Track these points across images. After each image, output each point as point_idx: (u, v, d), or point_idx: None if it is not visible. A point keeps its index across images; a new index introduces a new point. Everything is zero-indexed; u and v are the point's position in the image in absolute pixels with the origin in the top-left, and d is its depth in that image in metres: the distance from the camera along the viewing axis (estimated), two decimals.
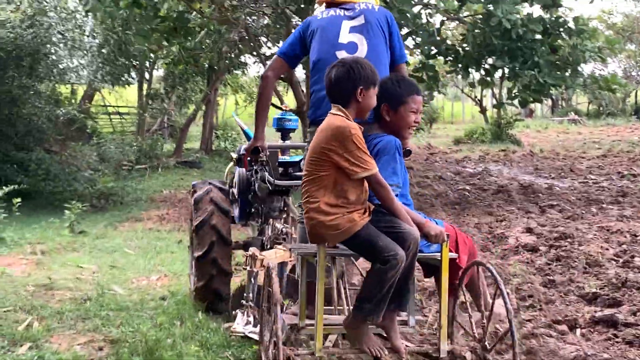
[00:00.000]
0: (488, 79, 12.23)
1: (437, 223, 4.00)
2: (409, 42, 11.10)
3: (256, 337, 4.67)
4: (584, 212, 10.80)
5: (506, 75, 11.75)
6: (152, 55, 15.60)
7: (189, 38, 11.81)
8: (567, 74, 11.35)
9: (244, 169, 5.87)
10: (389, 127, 4.05)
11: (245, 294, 5.30)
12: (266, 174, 5.61)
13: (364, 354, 3.78)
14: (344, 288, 4.39)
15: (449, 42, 11.12)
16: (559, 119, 39.65)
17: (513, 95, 11.48)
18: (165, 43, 11.55)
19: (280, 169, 5.83)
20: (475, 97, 31.37)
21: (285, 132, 6.37)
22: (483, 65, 11.55)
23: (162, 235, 10.34)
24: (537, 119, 41.54)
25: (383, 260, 3.58)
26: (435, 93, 14.13)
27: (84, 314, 5.95)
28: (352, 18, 4.54)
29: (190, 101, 22.01)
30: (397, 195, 3.77)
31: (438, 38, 10.73)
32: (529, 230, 9.25)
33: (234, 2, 11.42)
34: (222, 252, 5.84)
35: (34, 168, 12.86)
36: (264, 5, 11.41)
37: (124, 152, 16.74)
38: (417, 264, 3.92)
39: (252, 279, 5.23)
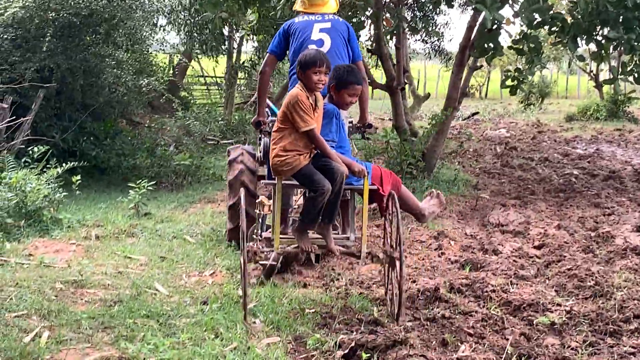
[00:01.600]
0: (602, 52, 10.84)
1: (366, 166, 5.67)
2: (506, 10, 9.95)
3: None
4: None
5: (621, 48, 10.33)
6: (226, 24, 14.81)
7: (268, 4, 10.90)
8: None
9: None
10: (333, 100, 5.75)
11: (255, 230, 6.33)
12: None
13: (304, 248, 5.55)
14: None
15: (555, 9, 9.75)
16: None
17: (628, 70, 10.12)
18: (237, 10, 10.63)
19: None
20: (591, 71, 29.41)
21: None
22: (595, 37, 10.20)
23: None
24: None
25: (314, 190, 5.30)
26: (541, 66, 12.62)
27: (107, 322, 5.17)
28: (321, 22, 6.54)
29: (279, 73, 21.07)
30: (333, 147, 5.51)
31: (542, 4, 9.42)
32: (559, 228, 8.06)
33: None
34: (249, 202, 6.75)
35: (108, 142, 12.30)
36: None
37: (210, 126, 16.10)
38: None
39: (261, 219, 6.26)
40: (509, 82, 10.34)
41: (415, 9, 18.48)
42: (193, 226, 9.05)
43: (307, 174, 5.31)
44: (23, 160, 9.88)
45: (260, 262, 6.45)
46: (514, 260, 7.28)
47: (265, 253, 5.85)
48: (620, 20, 9.74)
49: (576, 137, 19.85)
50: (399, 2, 11.06)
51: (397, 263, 5.45)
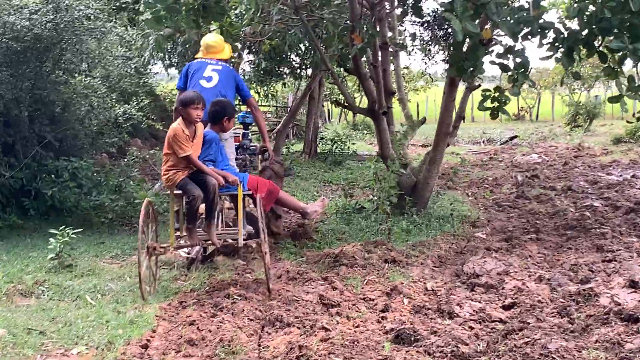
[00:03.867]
0: (616, 67, 9.21)
1: (242, 177, 7.62)
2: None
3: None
4: None
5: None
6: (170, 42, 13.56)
7: (222, 19, 9.64)
8: None
9: None
10: (223, 129, 7.71)
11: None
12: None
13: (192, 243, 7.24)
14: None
15: (545, 17, 8.19)
16: None
17: (636, 85, 8.48)
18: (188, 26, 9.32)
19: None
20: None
21: (245, 125, 9.40)
22: (597, 49, 8.59)
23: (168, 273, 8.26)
24: None
25: (188, 197, 6.97)
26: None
27: None
28: (214, 65, 8.35)
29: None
30: (213, 164, 7.32)
31: (528, 13, 7.92)
32: (634, 285, 6.41)
33: None
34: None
35: (66, 178, 11.09)
36: None
37: None
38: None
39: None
40: (487, 104, 8.81)
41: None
42: (114, 280, 7.76)
43: (183, 185, 6.99)
44: None
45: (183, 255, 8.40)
46: (469, 327, 5.82)
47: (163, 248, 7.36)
48: (627, 25, 8.18)
49: (614, 162, 18.01)
50: (372, 14, 9.64)
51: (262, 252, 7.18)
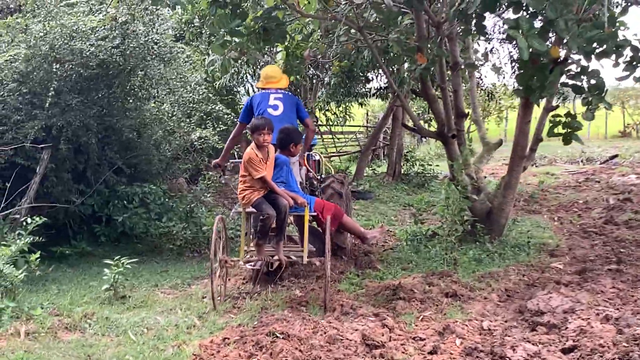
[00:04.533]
0: None
1: (310, 199, 8.27)
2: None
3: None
4: None
5: None
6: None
7: (283, 40, 9.45)
8: None
9: None
10: (291, 154, 8.33)
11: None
12: None
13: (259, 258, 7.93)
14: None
15: (621, 34, 7.61)
16: None
17: None
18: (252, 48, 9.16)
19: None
20: None
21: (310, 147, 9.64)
22: None
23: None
24: None
25: (262, 215, 7.57)
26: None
27: None
28: (275, 94, 9.04)
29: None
30: (283, 186, 7.90)
31: (602, 31, 7.36)
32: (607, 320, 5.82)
33: None
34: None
35: (135, 205, 11.08)
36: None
37: None
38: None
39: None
40: (558, 130, 8.23)
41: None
42: (163, 313, 7.57)
43: (258, 204, 7.64)
44: (17, 232, 8.83)
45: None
46: None
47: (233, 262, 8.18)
48: None
49: None
50: (438, 33, 9.20)
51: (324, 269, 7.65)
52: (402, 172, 19.84)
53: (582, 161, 25.70)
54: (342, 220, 8.60)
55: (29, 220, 8.63)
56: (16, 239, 8.40)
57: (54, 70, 10.05)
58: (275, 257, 7.88)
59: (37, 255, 8.25)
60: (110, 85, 10.85)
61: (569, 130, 8.20)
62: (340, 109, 21.20)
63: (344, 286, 8.48)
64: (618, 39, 7.60)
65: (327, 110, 21.29)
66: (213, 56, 10.15)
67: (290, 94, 9.31)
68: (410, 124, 14.63)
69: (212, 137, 13.00)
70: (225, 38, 8.68)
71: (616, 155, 25.34)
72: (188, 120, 13.18)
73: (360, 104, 20.83)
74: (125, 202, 11.17)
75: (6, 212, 9.54)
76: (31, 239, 8.31)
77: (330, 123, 23.17)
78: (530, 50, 7.08)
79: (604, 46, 7.60)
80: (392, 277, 8.81)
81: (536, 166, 24.96)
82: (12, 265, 7.74)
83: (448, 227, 9.97)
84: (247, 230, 8.16)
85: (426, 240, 10.73)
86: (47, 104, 9.87)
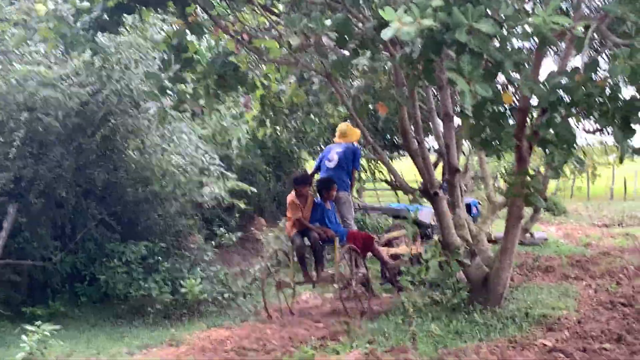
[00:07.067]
0: None
1: (343, 232, 10.37)
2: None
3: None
4: None
5: None
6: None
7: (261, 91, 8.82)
8: None
9: None
10: (327, 198, 10.46)
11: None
12: None
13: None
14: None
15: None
16: None
17: None
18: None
19: None
20: None
21: None
22: None
23: None
24: None
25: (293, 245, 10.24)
26: None
27: None
28: (337, 147, 11.06)
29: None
30: (317, 223, 10.21)
31: (565, 78, 6.38)
32: None
33: None
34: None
35: (115, 264, 10.52)
36: None
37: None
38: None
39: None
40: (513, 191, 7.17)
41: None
42: None
43: (293, 236, 10.18)
44: None
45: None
46: None
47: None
48: None
49: None
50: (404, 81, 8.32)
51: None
52: None
53: None
54: (372, 249, 10.66)
55: None
56: None
57: (21, 119, 9.71)
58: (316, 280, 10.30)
59: None
60: (87, 135, 10.41)
61: (530, 190, 7.14)
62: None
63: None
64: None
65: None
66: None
67: (353, 145, 11.07)
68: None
69: (221, 191, 12.46)
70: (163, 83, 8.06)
71: None
72: (206, 173, 12.69)
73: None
74: (116, 260, 10.65)
75: None
76: None
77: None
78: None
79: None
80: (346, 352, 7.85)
81: (622, 226, 23.23)
82: None
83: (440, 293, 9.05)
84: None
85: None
86: (12, 155, 9.52)
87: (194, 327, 9.63)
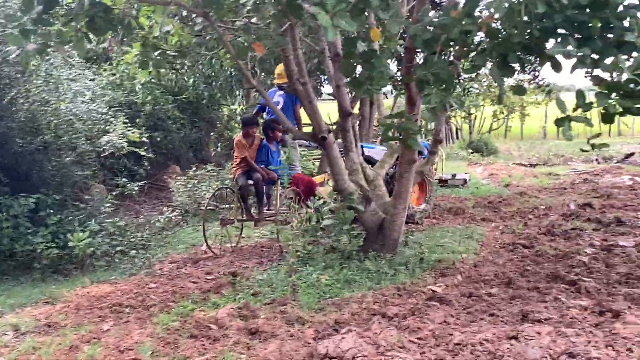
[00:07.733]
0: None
1: (290, 174, 10.68)
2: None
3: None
4: None
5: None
6: None
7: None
8: None
9: None
10: (272, 138, 10.81)
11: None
12: None
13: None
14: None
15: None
16: None
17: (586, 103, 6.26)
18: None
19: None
20: None
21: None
22: (543, 52, 6.44)
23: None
24: None
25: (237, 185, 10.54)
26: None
27: None
28: (280, 90, 11.34)
29: None
30: (262, 165, 10.56)
31: (446, 14, 6.00)
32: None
33: None
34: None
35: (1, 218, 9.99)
36: None
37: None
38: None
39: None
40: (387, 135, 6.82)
41: None
42: None
43: (238, 179, 10.53)
44: None
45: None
46: None
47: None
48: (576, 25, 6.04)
49: None
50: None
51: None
52: None
53: (596, 160, 23.76)
54: (314, 193, 10.47)
55: None
56: None
57: None
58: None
59: None
60: None
61: (404, 133, 6.80)
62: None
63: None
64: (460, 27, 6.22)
65: None
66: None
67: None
68: None
69: (118, 139, 11.96)
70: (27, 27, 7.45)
71: (632, 154, 23.43)
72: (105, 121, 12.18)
73: None
74: (2, 214, 10.12)
75: None
76: None
77: None
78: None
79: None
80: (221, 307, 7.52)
81: (547, 165, 23.32)
82: None
83: (334, 241, 8.77)
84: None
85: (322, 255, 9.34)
86: None
87: (79, 283, 9.21)
